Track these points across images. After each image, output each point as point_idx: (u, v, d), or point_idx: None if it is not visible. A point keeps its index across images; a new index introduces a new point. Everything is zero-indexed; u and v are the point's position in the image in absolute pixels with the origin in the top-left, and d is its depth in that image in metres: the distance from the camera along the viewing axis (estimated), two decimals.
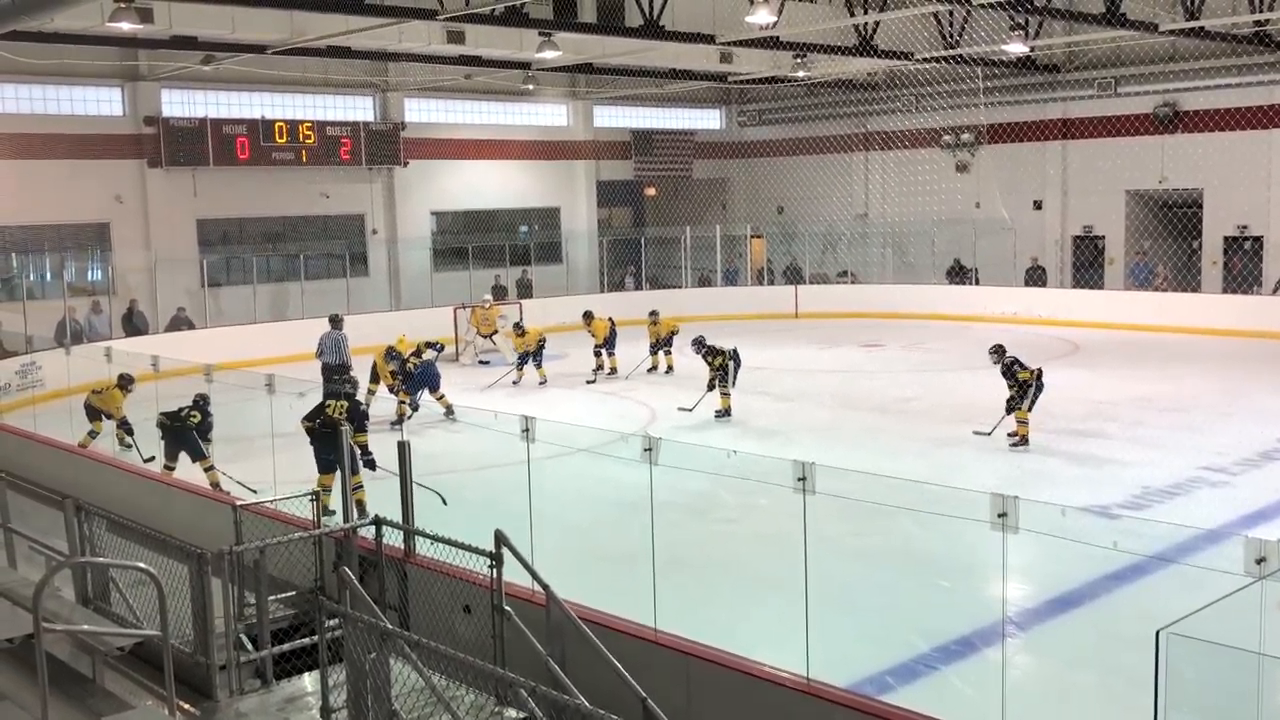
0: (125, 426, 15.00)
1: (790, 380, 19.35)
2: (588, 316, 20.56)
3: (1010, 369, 14.24)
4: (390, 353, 16.95)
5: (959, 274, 28.59)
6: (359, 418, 11.88)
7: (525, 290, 28.26)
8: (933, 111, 28.99)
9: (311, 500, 8.78)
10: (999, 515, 5.95)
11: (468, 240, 29.18)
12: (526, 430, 8.23)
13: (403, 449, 8.59)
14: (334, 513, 10.02)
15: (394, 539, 8.27)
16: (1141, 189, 26.78)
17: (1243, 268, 25.34)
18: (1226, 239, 25.75)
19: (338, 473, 10.59)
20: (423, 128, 28.83)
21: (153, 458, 13.67)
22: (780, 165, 33.04)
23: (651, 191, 34.73)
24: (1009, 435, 14.15)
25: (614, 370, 20.29)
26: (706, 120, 34.95)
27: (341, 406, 11.80)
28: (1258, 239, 25.18)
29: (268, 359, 19.04)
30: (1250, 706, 5.03)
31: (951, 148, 29.55)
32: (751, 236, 32.11)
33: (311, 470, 11.34)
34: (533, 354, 19.54)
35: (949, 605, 8.90)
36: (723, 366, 16.27)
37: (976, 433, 14.52)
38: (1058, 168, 28.11)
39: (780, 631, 7.10)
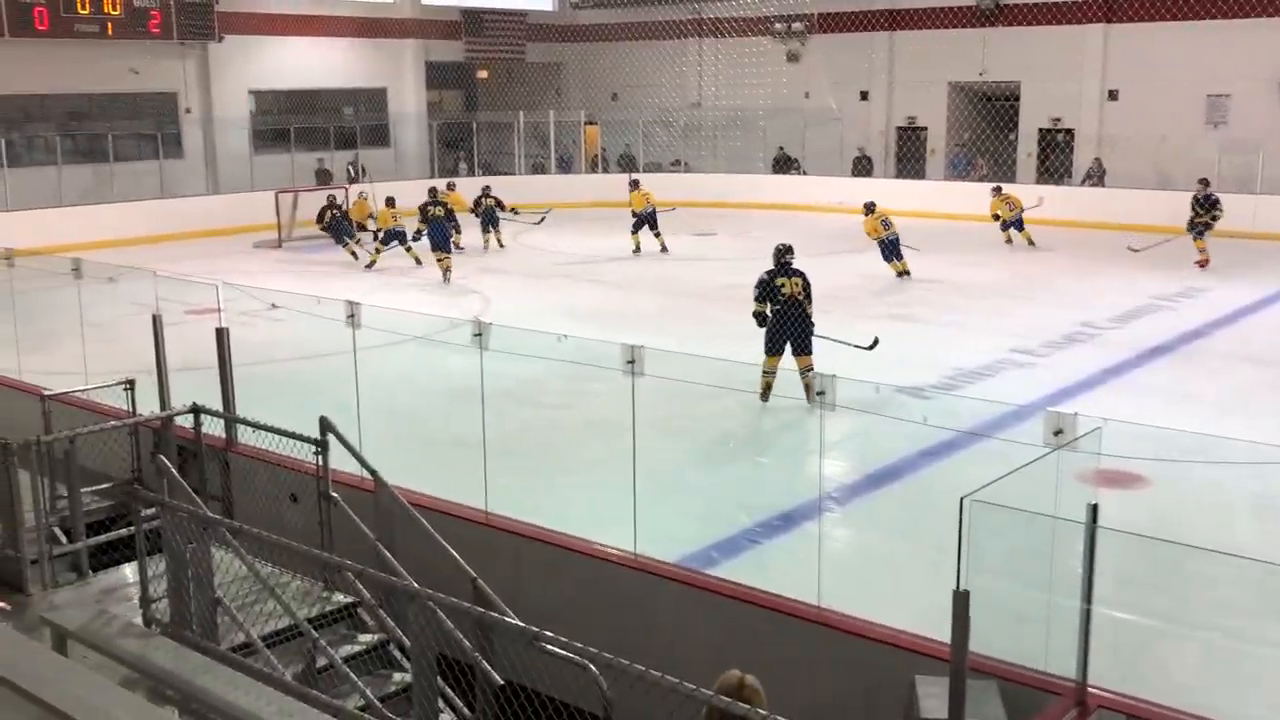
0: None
1: (622, 268, 19.43)
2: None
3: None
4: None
5: (785, 164, 28.95)
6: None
7: (358, 175, 27.36)
8: None
9: (125, 390, 8.45)
10: (818, 394, 6.15)
11: (289, 122, 28.03)
12: (352, 316, 8.08)
13: (221, 336, 8.33)
14: None
15: (214, 428, 8.06)
16: (963, 81, 27.48)
17: (1055, 159, 26.41)
18: (1041, 131, 26.74)
19: None
20: (239, 1, 27.33)
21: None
22: (615, 50, 32.56)
23: (483, 74, 33.87)
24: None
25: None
26: (539, 1, 34.12)
27: None
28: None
29: (75, 244, 18.02)
30: (1046, 566, 5.40)
31: (782, 36, 29.65)
32: (586, 123, 31.76)
33: (123, 362, 10.81)
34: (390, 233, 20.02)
35: (771, 482, 9.19)
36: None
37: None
38: (884, 59, 28.54)
39: (610, 511, 7.22)
